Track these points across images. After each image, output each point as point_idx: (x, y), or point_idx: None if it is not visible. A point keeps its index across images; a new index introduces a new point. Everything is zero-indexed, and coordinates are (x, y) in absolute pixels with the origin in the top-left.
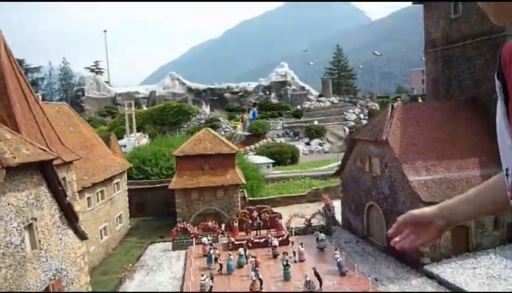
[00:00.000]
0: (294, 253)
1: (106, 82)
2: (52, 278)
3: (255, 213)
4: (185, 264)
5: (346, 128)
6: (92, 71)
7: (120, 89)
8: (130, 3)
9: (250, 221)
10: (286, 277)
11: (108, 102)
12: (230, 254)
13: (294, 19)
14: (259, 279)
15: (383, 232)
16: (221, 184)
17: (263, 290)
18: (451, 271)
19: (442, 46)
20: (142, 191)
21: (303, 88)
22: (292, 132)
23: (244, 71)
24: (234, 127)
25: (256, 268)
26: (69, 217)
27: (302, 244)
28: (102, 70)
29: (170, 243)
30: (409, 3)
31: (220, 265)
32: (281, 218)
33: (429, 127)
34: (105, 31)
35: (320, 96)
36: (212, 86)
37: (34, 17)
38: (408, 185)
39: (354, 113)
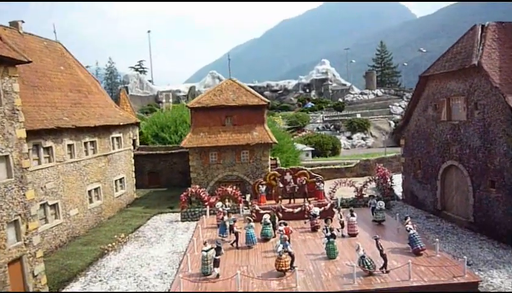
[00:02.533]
0: (342, 224)
1: (150, 80)
2: None
3: (288, 176)
4: (193, 236)
5: (391, 122)
6: (136, 70)
7: (163, 87)
8: (175, 5)
9: (281, 186)
10: (331, 254)
11: (151, 100)
12: (250, 220)
13: (336, 17)
14: (290, 253)
15: (468, 203)
16: (246, 142)
17: (296, 269)
18: None
19: None
20: (156, 159)
21: (344, 85)
22: (333, 126)
23: (284, 70)
24: (273, 122)
25: (285, 237)
26: None
27: (352, 212)
28: (145, 69)
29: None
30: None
31: (236, 234)
32: (323, 183)
33: None
34: (148, 31)
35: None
36: (252, 84)
37: (84, 21)
38: None
39: (400, 106)
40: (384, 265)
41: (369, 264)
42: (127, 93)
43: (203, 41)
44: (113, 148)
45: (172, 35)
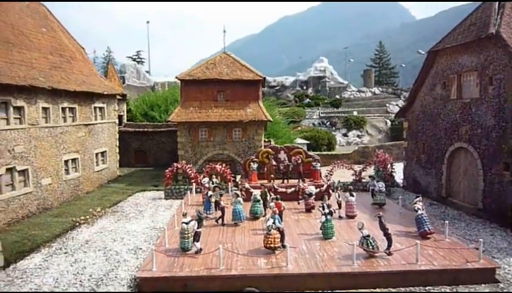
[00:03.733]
0: (339, 204)
1: (147, 71)
2: None
3: (282, 155)
4: (175, 212)
5: (388, 121)
6: (134, 60)
7: (160, 78)
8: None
9: (274, 164)
10: (328, 233)
11: (148, 90)
12: (237, 195)
13: (335, 16)
14: (279, 230)
15: (477, 188)
16: (239, 119)
17: (288, 246)
18: None
19: None
20: (143, 136)
21: (341, 84)
22: (329, 122)
23: (283, 66)
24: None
25: (275, 209)
26: None
27: (351, 191)
28: (143, 60)
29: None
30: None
31: (222, 210)
32: (319, 162)
33: None
34: (147, 22)
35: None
36: None
37: (83, 11)
38: None
39: (397, 105)
40: (389, 246)
41: (373, 244)
42: (124, 82)
43: (202, 35)
44: (95, 119)
45: (171, 28)
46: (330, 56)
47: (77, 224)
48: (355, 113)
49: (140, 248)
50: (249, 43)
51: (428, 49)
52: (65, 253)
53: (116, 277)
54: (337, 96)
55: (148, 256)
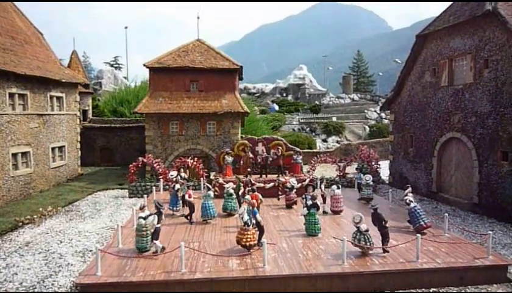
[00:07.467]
0: (324, 198)
1: (125, 77)
2: None
3: (260, 147)
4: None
5: (366, 127)
6: (112, 65)
7: (138, 84)
8: (154, 6)
9: (251, 157)
10: (312, 229)
11: None
12: (208, 188)
13: (314, 25)
14: (258, 224)
15: (472, 181)
16: (213, 111)
17: (265, 242)
18: None
19: None
20: (110, 133)
21: (320, 91)
22: (308, 128)
23: (263, 74)
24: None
25: (253, 202)
26: None
27: (337, 184)
28: (120, 65)
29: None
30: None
31: (190, 205)
32: (300, 154)
33: None
34: (126, 27)
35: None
36: None
37: (61, 14)
38: None
39: (375, 111)
40: (384, 242)
41: (370, 240)
42: (101, 87)
43: (183, 41)
44: (52, 109)
45: (151, 35)
46: (309, 64)
47: (20, 224)
48: (334, 119)
49: (90, 250)
50: (229, 51)
51: (417, 33)
52: None
53: (52, 284)
54: (317, 102)
55: (93, 259)
